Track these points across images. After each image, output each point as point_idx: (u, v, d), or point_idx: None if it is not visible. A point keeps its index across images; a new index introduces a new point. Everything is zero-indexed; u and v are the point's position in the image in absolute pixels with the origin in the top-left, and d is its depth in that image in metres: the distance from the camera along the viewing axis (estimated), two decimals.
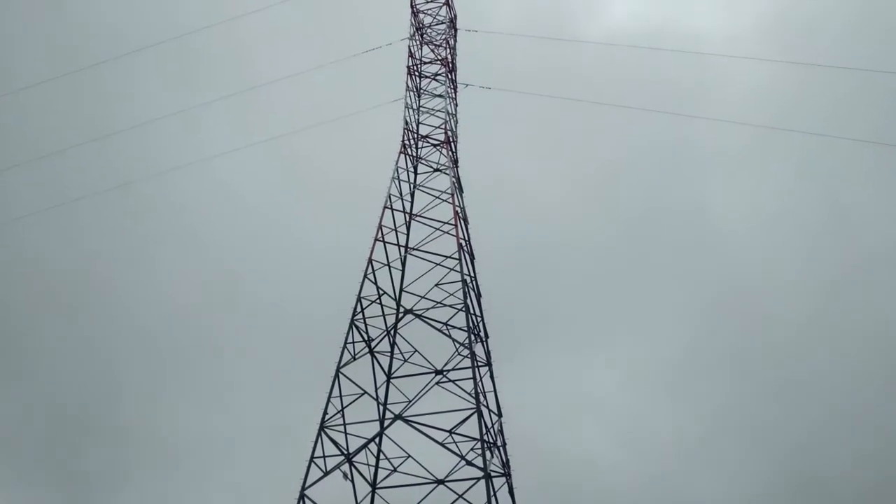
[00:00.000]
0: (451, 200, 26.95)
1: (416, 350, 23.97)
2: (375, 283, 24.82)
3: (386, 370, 23.93)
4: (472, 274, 26.17)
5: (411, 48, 33.03)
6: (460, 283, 23.98)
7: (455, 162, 29.70)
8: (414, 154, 29.80)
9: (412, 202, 28.03)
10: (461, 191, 29.00)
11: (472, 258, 26.84)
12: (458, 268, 24.50)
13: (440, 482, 20.34)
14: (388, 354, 24.23)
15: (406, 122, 30.28)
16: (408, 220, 27.28)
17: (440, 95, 31.78)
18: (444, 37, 34.22)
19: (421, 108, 31.34)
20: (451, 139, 30.05)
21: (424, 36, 33.98)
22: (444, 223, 26.47)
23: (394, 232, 26.59)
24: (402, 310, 25.00)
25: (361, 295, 24.29)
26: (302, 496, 19.62)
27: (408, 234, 27.01)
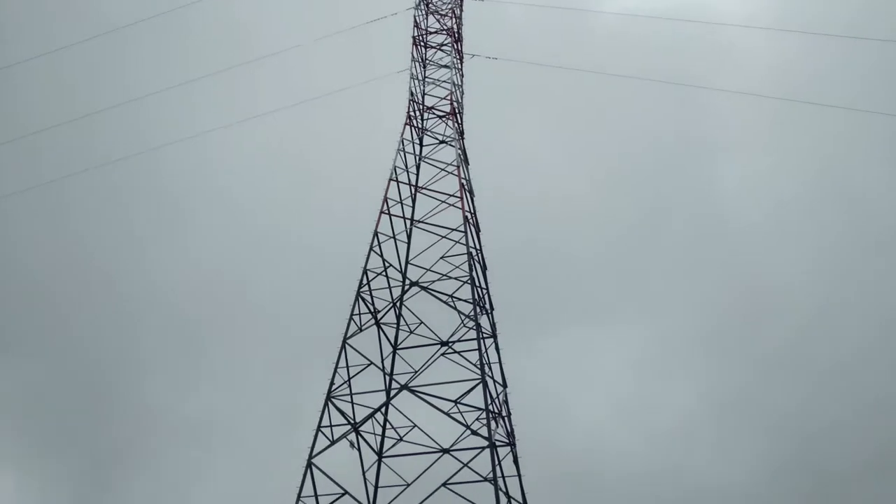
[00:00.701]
0: (456, 172, 27.00)
1: (421, 322, 24.29)
2: (381, 256, 25.05)
3: (392, 342, 24.29)
4: (478, 246, 26.35)
5: (417, 18, 32.74)
6: (466, 256, 24.17)
7: (461, 133, 29.67)
8: (419, 125, 29.76)
9: (417, 174, 28.10)
10: (467, 163, 29.03)
11: (478, 231, 26.99)
12: (463, 240, 24.66)
13: (445, 451, 20.78)
14: (395, 326, 24.58)
15: (411, 93, 30.17)
16: (413, 192, 27.38)
17: (446, 66, 31.59)
18: (449, 6, 33.88)
19: (426, 79, 31.18)
20: (456, 110, 29.96)
21: (430, 5, 33.62)
22: (450, 195, 26.56)
23: (399, 204, 26.73)
24: (407, 282, 25.26)
25: (367, 267, 24.54)
26: (309, 464, 20.13)
27: (413, 207, 27.14)
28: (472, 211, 27.22)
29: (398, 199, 26.76)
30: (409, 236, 26.48)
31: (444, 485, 19.33)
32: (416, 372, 22.47)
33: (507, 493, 19.43)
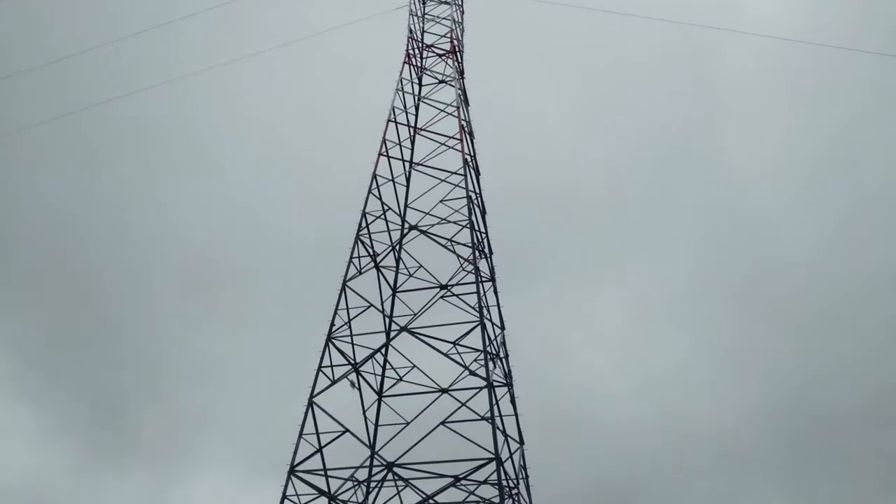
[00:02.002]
0: (456, 114, 26.81)
1: (420, 265, 24.66)
2: (380, 199, 25.20)
3: (392, 285, 24.73)
4: (478, 190, 26.46)
5: None
6: (465, 199, 24.31)
7: (461, 73, 29.28)
8: (418, 64, 29.32)
9: (416, 115, 27.93)
10: (467, 104, 28.79)
11: (478, 174, 27.04)
12: (463, 184, 24.75)
13: (444, 391, 21.52)
14: (394, 269, 24.96)
15: (410, 31, 29.63)
16: (412, 133, 27.26)
17: (446, 2, 30.86)
18: None
19: (426, 16, 30.52)
20: (457, 49, 29.48)
21: None
22: (450, 137, 26.47)
23: (398, 146, 26.65)
24: (407, 226, 25.49)
25: (366, 210, 24.71)
26: (310, 403, 20.85)
27: (412, 149, 27.10)
28: (472, 153, 27.19)
29: (397, 142, 26.68)
30: (408, 179, 26.55)
31: (442, 423, 20.12)
32: (415, 314, 22.99)
33: (504, 432, 20.24)
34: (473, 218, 24.04)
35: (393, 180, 25.98)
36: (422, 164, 26.48)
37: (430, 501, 19.79)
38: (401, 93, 27.65)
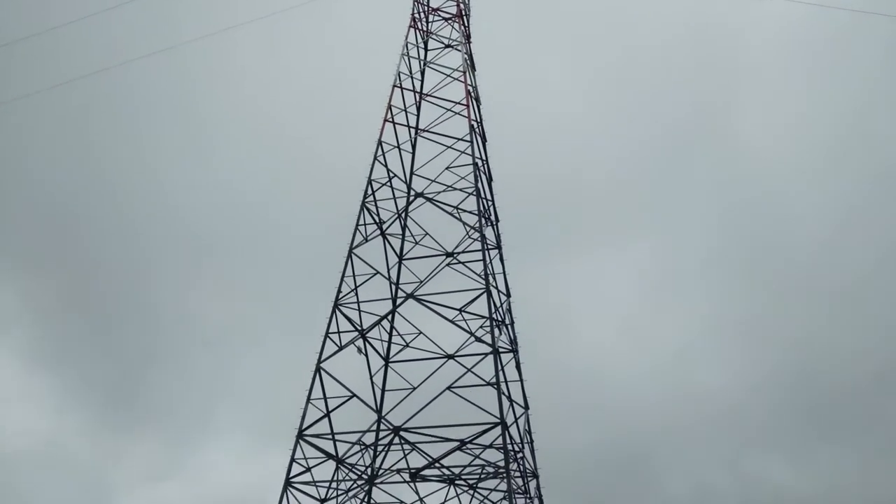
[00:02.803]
0: (462, 79, 26.63)
1: (426, 233, 24.84)
2: (385, 166, 25.26)
3: (398, 252, 24.96)
4: (484, 157, 26.45)
5: None
6: (472, 167, 24.34)
7: (468, 37, 28.97)
8: (424, 28, 28.99)
9: (422, 80, 27.75)
10: (473, 69, 28.56)
11: (485, 141, 27.00)
12: (469, 150, 24.74)
13: (450, 357, 21.93)
14: (400, 237, 25.15)
15: None
16: (418, 99, 27.13)
17: None
18: None
19: None
20: (463, 12, 29.12)
21: None
22: (456, 103, 26.35)
23: (403, 112, 26.57)
24: (412, 193, 25.58)
25: (372, 178, 24.79)
26: (318, 369, 21.29)
27: (418, 115, 27.01)
28: (479, 120, 27.10)
29: (402, 107, 26.58)
30: (413, 146, 26.54)
31: (448, 388, 20.56)
32: (421, 282, 23.25)
33: (509, 397, 20.67)
34: (480, 185, 24.10)
35: (399, 147, 26.00)
36: (428, 131, 26.45)
37: (437, 465, 20.36)
38: (406, 58, 27.46)
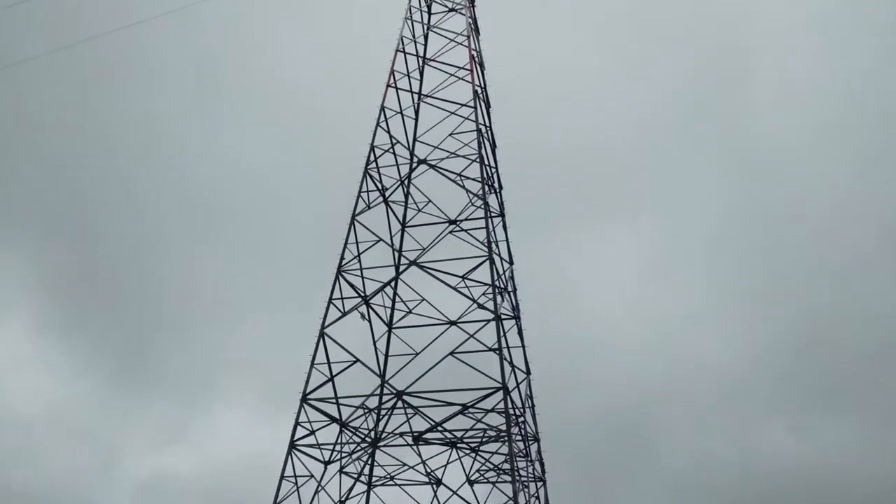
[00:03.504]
0: (466, 43, 26.36)
1: (429, 200, 24.90)
2: (388, 132, 25.20)
3: (400, 219, 25.06)
4: (488, 123, 26.35)
5: None
6: (475, 133, 24.26)
7: (472, 1, 28.54)
8: None
9: (426, 45, 27.47)
10: (478, 33, 28.24)
11: (489, 107, 26.87)
12: (473, 116, 24.63)
13: (453, 323, 22.22)
14: (403, 204, 25.23)
15: None
16: (421, 64, 26.91)
17: None
18: None
19: None
20: None
21: None
22: (460, 68, 26.14)
23: (406, 77, 26.39)
24: (415, 159, 25.56)
25: (374, 144, 24.76)
26: (321, 334, 21.61)
27: (421, 80, 26.82)
28: (483, 85, 26.92)
29: (405, 72, 26.39)
30: (416, 112, 26.42)
31: (451, 354, 20.86)
32: (424, 249, 23.41)
33: (511, 363, 20.99)
34: (483, 152, 24.08)
35: (402, 113, 25.90)
36: (431, 97, 26.30)
37: (439, 428, 20.80)
38: (409, 21, 27.14)
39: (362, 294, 22.74)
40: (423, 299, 23.37)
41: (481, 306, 21.38)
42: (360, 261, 23.01)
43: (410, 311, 23.54)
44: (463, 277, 22.21)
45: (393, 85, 25.95)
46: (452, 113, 25.43)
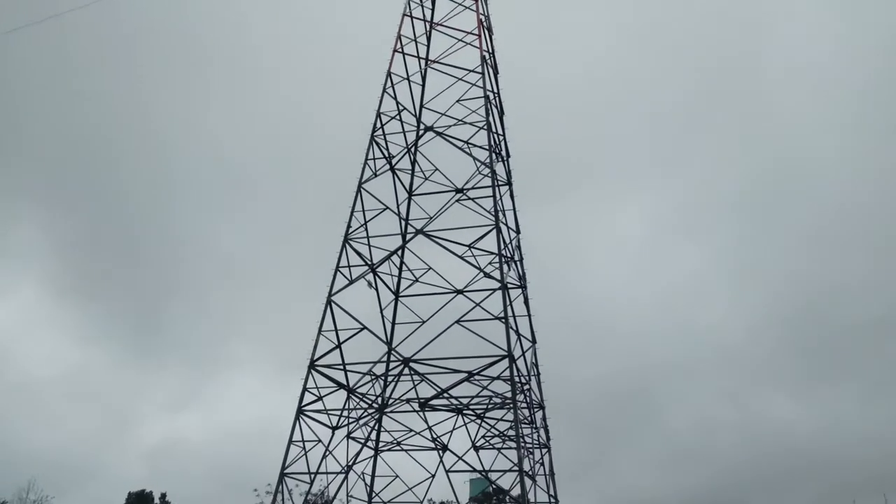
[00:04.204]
0: (474, 7, 25.93)
1: (436, 168, 24.82)
2: (395, 98, 24.99)
3: (407, 188, 25.03)
4: (496, 90, 26.08)
5: None
6: (483, 100, 24.04)
7: None
8: None
9: (433, 9, 27.03)
10: None
11: (497, 73, 26.57)
12: (480, 83, 24.37)
13: (459, 292, 22.38)
14: (409, 172, 25.16)
15: None
16: (428, 29, 26.52)
17: None
18: None
19: None
20: None
21: None
22: (467, 33, 25.75)
23: (413, 43, 26.05)
24: (422, 127, 25.39)
25: (381, 110, 24.58)
26: (329, 301, 21.81)
27: (428, 46, 26.47)
28: (491, 51, 26.56)
29: (412, 37, 26.03)
30: (423, 78, 26.15)
31: (457, 322, 21.06)
32: (430, 217, 23.42)
33: (517, 331, 21.20)
34: (491, 119, 23.89)
35: (408, 79, 25.63)
36: (438, 62, 25.98)
37: (445, 395, 21.13)
38: None
39: (369, 262, 22.87)
40: (430, 268, 23.50)
41: (488, 275, 21.50)
42: (366, 229, 23.10)
43: (417, 280, 23.70)
44: (469, 246, 22.28)
45: (400, 50, 25.63)
46: (460, 79, 25.16)
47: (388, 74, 25.15)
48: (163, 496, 47.24)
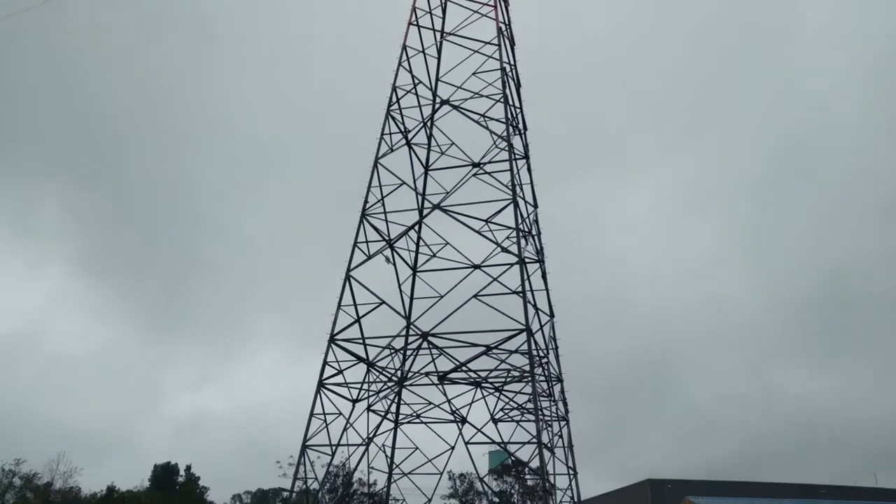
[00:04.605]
0: None
1: (452, 143, 24.71)
2: (410, 72, 24.82)
3: (423, 162, 24.98)
4: (513, 62, 25.79)
5: None
6: (499, 72, 23.79)
7: None
8: None
9: None
10: None
11: (513, 45, 26.26)
12: (497, 55, 24.09)
13: (477, 267, 22.44)
14: (426, 146, 25.09)
15: None
16: (443, 1, 26.18)
17: None
18: None
19: None
20: None
21: None
22: (483, 4, 25.41)
23: (428, 15, 25.76)
24: (438, 100, 25.24)
25: (396, 84, 24.44)
26: (347, 276, 22.00)
27: (444, 18, 26.18)
28: (507, 22, 26.22)
29: (427, 9, 25.74)
30: (439, 51, 25.92)
31: (475, 296, 21.18)
32: (447, 192, 23.40)
33: (535, 305, 21.27)
34: (508, 92, 23.68)
35: (423, 52, 25.41)
36: (454, 34, 25.69)
37: (463, 368, 21.34)
38: None
39: (386, 238, 22.98)
40: (447, 243, 23.57)
41: (505, 250, 21.53)
42: (383, 204, 23.14)
43: (434, 255, 23.78)
44: (487, 221, 22.28)
45: (415, 23, 25.39)
46: (475, 51, 24.90)
47: (404, 48, 24.96)
48: (188, 468, 48.54)
